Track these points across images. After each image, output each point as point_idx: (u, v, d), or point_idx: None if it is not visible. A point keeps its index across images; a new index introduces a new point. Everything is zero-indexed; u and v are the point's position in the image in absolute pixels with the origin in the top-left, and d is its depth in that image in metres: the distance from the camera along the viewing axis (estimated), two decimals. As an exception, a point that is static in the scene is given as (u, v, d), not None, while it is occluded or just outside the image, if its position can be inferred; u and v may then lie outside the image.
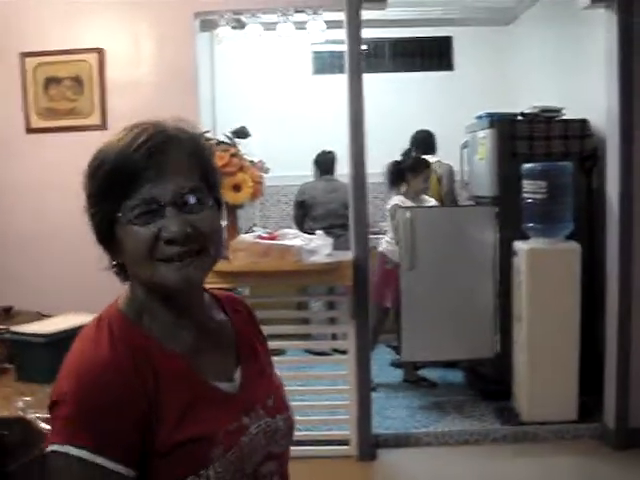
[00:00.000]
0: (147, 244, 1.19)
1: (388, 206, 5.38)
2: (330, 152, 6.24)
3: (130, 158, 1.17)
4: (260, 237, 4.12)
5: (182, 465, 1.16)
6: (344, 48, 4.23)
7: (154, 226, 1.18)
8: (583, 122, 4.89)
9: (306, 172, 6.34)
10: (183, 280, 1.21)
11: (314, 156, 6.32)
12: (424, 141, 6.01)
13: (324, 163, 6.27)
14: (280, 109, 7.13)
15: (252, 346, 1.43)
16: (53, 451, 1.13)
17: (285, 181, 6.90)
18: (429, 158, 5.75)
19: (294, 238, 4.07)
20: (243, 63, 7.06)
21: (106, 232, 1.23)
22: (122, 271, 1.29)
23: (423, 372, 5.67)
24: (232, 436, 1.24)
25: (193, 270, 1.22)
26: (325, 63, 7.32)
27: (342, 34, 4.23)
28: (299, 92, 7.29)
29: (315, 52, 7.30)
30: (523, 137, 4.87)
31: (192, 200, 1.21)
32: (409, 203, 5.24)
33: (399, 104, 7.11)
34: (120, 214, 1.19)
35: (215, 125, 6.16)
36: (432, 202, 5.48)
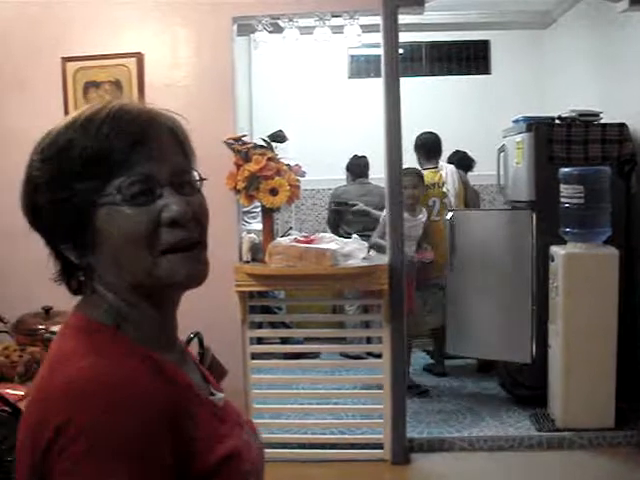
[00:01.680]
0: (146, 229, 1.01)
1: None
2: (363, 157, 6.24)
3: (120, 131, 1.02)
4: (296, 240, 4.13)
5: None
6: (380, 52, 4.24)
7: (153, 207, 1.02)
8: (621, 126, 4.84)
9: (342, 176, 6.35)
10: (194, 275, 1.06)
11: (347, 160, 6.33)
12: (426, 144, 5.85)
13: (357, 167, 6.28)
14: (316, 113, 7.15)
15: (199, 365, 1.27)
16: None
17: (321, 185, 6.93)
18: (431, 164, 5.72)
19: (330, 242, 4.09)
20: (280, 67, 7.08)
21: (77, 222, 1.03)
22: (87, 276, 1.09)
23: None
24: (248, 452, 1.12)
25: (203, 264, 1.08)
26: (361, 67, 7.33)
27: (379, 38, 4.24)
28: (335, 96, 7.30)
29: (351, 56, 7.31)
30: (560, 141, 4.83)
31: (187, 181, 1.08)
32: (407, 217, 4.95)
33: (436, 108, 7.08)
34: (106, 196, 1.01)
35: (252, 129, 6.21)
36: (420, 217, 5.30)
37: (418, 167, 5.74)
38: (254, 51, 6.44)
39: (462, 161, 6.20)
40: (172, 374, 1.06)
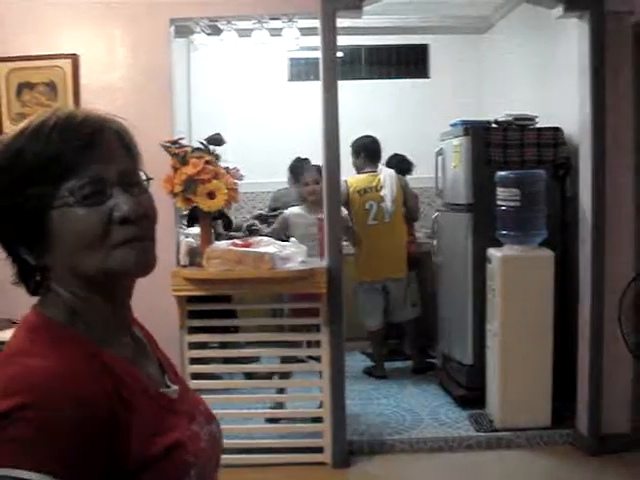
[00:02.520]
0: (99, 227, 1.07)
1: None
2: (305, 159, 6.24)
3: (69, 137, 1.07)
4: (234, 244, 4.11)
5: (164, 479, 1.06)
6: (319, 55, 4.24)
7: (105, 207, 1.08)
8: (556, 130, 4.92)
9: (282, 179, 6.33)
10: (143, 263, 1.12)
11: (289, 163, 6.32)
12: (366, 148, 5.87)
13: (299, 170, 6.26)
14: (256, 116, 7.13)
15: (164, 354, 1.35)
16: (3, 476, 0.92)
17: (260, 188, 6.91)
18: (370, 167, 5.76)
19: (268, 245, 4.07)
20: (219, 70, 7.05)
21: (32, 225, 1.08)
22: (44, 276, 1.14)
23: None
24: (194, 443, 1.17)
25: (152, 255, 1.14)
26: (301, 70, 7.33)
27: (317, 41, 4.24)
28: (275, 99, 7.29)
29: (291, 59, 7.30)
30: (497, 145, 4.89)
31: (135, 181, 1.14)
32: (305, 215, 5.01)
33: (375, 111, 7.12)
34: (59, 199, 1.06)
35: (191, 132, 6.15)
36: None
37: (354, 171, 5.78)
38: (193, 53, 6.40)
39: (401, 164, 6.23)
40: (119, 371, 1.10)
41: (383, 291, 5.77)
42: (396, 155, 6.33)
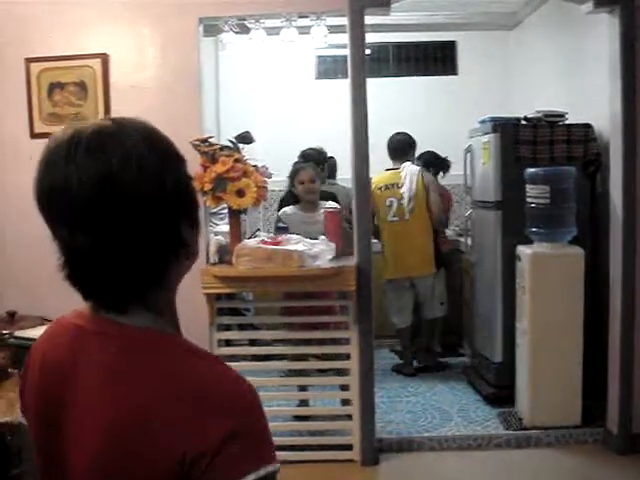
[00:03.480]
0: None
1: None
2: (331, 157, 6.24)
3: None
4: (263, 242, 4.12)
5: None
6: (347, 53, 4.24)
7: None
8: (587, 126, 4.89)
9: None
10: None
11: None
12: (392, 145, 5.89)
13: (331, 168, 6.27)
14: (284, 114, 7.14)
15: None
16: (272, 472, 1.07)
17: (289, 186, 6.91)
18: (395, 164, 5.76)
19: (297, 243, 4.07)
20: (247, 68, 7.06)
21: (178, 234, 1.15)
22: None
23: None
24: None
25: None
26: (328, 68, 7.32)
27: (345, 39, 4.24)
28: (302, 97, 7.30)
29: (319, 57, 7.31)
30: (526, 141, 4.87)
31: None
32: (299, 214, 4.95)
33: (403, 109, 7.10)
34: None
35: (219, 130, 6.18)
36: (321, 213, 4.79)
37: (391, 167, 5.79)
38: (221, 52, 6.42)
39: (429, 162, 6.19)
40: None
41: (412, 288, 5.77)
42: (423, 153, 6.29)
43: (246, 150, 4.23)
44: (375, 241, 5.26)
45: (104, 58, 4.27)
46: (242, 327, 4.69)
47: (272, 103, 7.16)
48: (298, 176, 4.93)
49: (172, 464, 1.01)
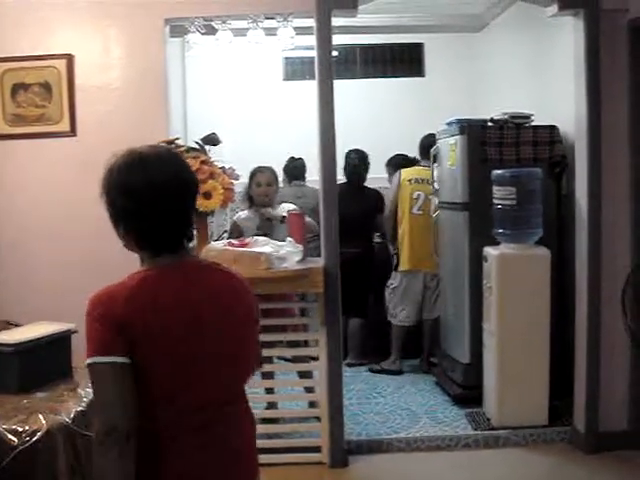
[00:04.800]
0: None
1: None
2: (299, 159, 6.23)
3: None
4: (230, 244, 4.10)
5: None
6: (315, 54, 4.23)
7: None
8: (552, 128, 4.92)
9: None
10: None
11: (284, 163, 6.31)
12: (422, 143, 5.99)
13: (293, 169, 6.27)
14: (251, 115, 7.11)
15: None
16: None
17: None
18: (425, 162, 5.81)
19: (264, 245, 4.05)
20: (215, 69, 7.04)
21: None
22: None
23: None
24: None
25: None
26: (296, 69, 7.31)
27: (313, 40, 4.23)
28: (270, 98, 7.27)
29: (286, 58, 7.29)
30: (493, 143, 4.89)
31: None
32: (253, 218, 4.93)
33: (370, 110, 7.12)
34: None
35: (187, 131, 6.14)
36: (277, 215, 4.87)
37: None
38: (188, 53, 6.38)
39: (400, 165, 6.22)
40: None
41: (424, 288, 5.85)
42: (396, 156, 6.31)
43: (213, 152, 4.21)
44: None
45: (69, 59, 4.22)
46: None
47: (240, 104, 7.13)
48: (255, 178, 4.92)
49: None
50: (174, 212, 1.79)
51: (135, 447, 1.63)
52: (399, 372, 5.91)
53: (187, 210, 1.85)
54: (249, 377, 1.96)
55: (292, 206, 4.93)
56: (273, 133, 7.00)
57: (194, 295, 1.79)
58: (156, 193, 1.75)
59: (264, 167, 5.05)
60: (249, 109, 7.14)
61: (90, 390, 2.80)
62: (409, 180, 5.83)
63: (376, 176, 6.35)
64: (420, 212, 5.77)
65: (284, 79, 7.41)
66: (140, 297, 1.73)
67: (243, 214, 4.95)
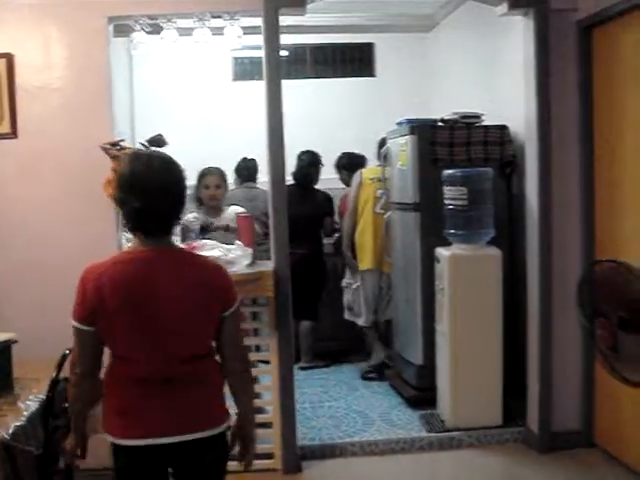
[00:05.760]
0: None
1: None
2: (252, 159, 6.16)
3: None
4: (178, 248, 4.00)
5: None
6: (263, 54, 4.16)
7: None
8: (503, 128, 4.92)
9: (229, 180, 6.22)
10: None
11: (235, 164, 6.23)
12: (379, 143, 5.93)
13: (245, 171, 6.19)
14: (200, 116, 7.00)
15: None
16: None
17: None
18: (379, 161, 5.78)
19: (213, 249, 3.98)
20: (163, 69, 6.92)
21: None
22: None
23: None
24: None
25: None
26: (245, 69, 7.22)
27: (261, 40, 4.16)
28: (219, 99, 7.17)
29: (235, 58, 7.20)
30: (443, 143, 4.87)
31: None
32: (202, 219, 4.83)
33: (320, 110, 7.06)
34: None
35: (134, 133, 6.03)
36: (227, 217, 4.89)
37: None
38: (134, 52, 6.25)
39: (346, 166, 6.20)
40: None
41: (379, 289, 5.84)
42: (343, 156, 6.28)
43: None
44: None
45: (9, 58, 4.10)
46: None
47: (189, 105, 7.01)
48: (204, 180, 4.85)
49: None
50: (156, 204, 2.21)
51: (92, 384, 2.29)
52: (387, 366, 5.85)
53: (170, 204, 2.27)
54: (195, 353, 2.32)
55: (240, 209, 4.86)
56: (223, 134, 6.90)
57: (157, 275, 2.21)
58: (139, 185, 2.20)
59: (213, 168, 4.98)
60: (199, 109, 7.03)
61: (30, 403, 2.94)
62: (371, 179, 5.78)
63: (328, 177, 6.30)
64: (382, 211, 5.71)
65: (233, 79, 7.30)
66: (107, 274, 2.19)
67: (192, 216, 4.86)
